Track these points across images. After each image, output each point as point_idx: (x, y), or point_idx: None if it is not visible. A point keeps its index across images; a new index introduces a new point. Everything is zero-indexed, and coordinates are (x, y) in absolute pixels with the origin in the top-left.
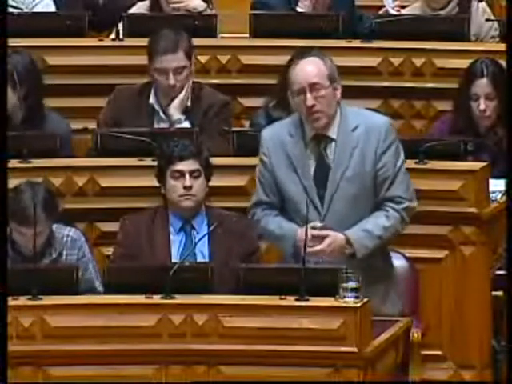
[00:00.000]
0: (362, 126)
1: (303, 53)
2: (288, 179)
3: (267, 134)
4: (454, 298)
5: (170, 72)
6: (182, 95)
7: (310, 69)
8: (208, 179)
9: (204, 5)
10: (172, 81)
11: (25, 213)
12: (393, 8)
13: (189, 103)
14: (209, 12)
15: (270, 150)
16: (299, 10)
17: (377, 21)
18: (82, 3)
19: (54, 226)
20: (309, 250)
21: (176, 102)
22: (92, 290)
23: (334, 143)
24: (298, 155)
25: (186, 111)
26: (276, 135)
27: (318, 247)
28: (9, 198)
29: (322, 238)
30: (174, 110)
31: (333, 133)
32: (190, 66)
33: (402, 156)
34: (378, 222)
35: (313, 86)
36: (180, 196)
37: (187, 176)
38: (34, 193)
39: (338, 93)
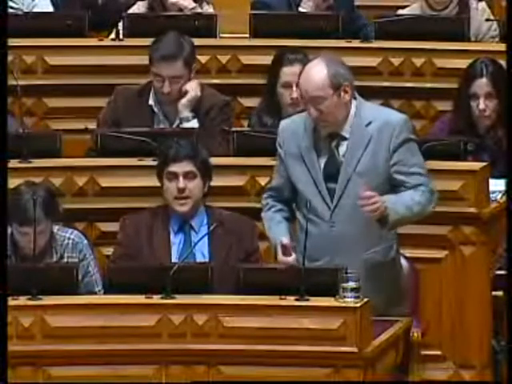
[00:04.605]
0: (377, 121)
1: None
2: (298, 171)
3: (284, 124)
4: (454, 298)
5: (166, 79)
6: (192, 93)
7: (313, 78)
8: (207, 180)
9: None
10: (167, 88)
11: (25, 213)
12: None
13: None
14: (207, 10)
15: (284, 141)
16: (302, 10)
17: (377, 21)
18: (79, 3)
19: (56, 228)
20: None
21: (185, 99)
22: (91, 294)
23: (346, 141)
24: (308, 148)
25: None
26: (291, 126)
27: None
28: (9, 199)
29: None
30: (183, 107)
31: (345, 131)
32: (190, 73)
33: (419, 154)
34: (412, 196)
35: (314, 100)
36: (174, 198)
37: (181, 178)
38: (34, 193)
39: (347, 95)
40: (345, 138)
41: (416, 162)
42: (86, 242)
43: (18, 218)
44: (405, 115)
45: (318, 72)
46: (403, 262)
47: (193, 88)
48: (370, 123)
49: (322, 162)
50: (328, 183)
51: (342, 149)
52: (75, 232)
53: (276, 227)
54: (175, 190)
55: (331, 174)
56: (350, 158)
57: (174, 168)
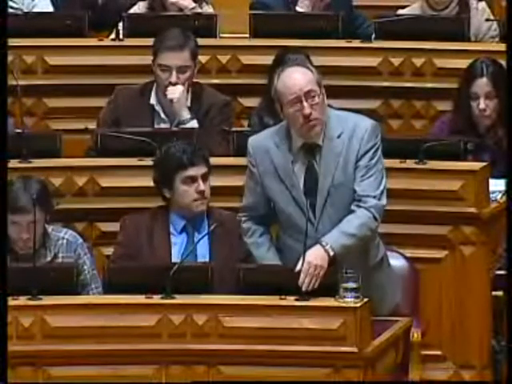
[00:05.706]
0: (347, 131)
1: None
2: (276, 189)
3: (254, 143)
4: (454, 297)
5: (173, 70)
6: (184, 94)
7: (301, 77)
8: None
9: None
10: (174, 78)
11: (16, 201)
12: None
13: (188, 103)
14: (207, 10)
15: (258, 160)
16: (299, 9)
17: (377, 21)
18: (79, 3)
19: (50, 228)
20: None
21: (183, 101)
22: (85, 293)
23: (321, 151)
24: (284, 166)
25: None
26: (262, 145)
27: (305, 264)
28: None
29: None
30: (181, 109)
31: (320, 140)
32: (194, 67)
33: (379, 156)
34: (350, 222)
35: (308, 94)
36: (194, 200)
37: (200, 181)
38: (26, 184)
39: (325, 99)
40: (319, 148)
41: (374, 164)
42: (80, 241)
43: (10, 208)
44: (374, 121)
45: (303, 70)
46: (401, 261)
47: (180, 90)
48: (341, 134)
49: (301, 176)
50: (308, 198)
51: (318, 158)
52: (69, 232)
53: (268, 256)
54: (195, 193)
55: (311, 188)
56: (324, 171)
57: (193, 172)
